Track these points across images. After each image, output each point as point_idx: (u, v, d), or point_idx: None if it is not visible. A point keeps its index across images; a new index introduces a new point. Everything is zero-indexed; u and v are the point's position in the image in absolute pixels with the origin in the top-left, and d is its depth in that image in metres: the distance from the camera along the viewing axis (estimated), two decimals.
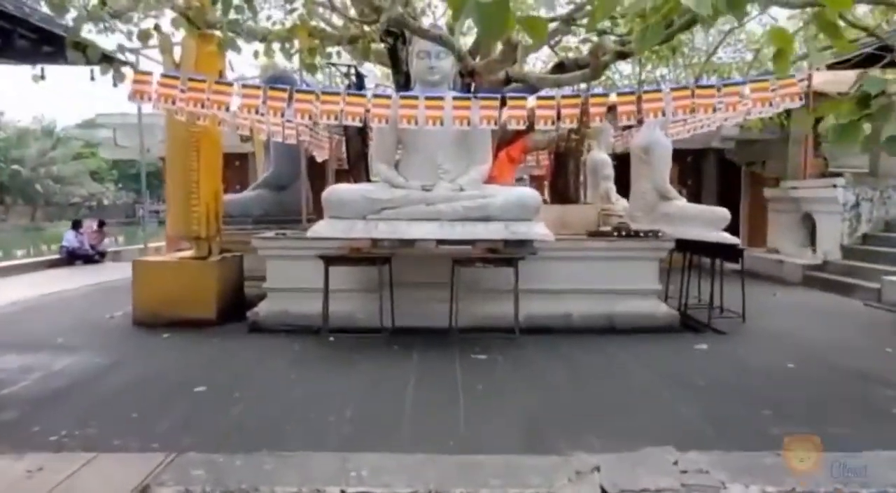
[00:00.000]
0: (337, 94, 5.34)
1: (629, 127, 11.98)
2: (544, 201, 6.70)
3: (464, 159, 6.19)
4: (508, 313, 5.89)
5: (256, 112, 5.38)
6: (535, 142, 10.47)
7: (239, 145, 11.15)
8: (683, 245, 6.70)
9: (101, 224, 14.59)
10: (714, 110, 5.17)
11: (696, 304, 7.35)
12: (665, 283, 6.87)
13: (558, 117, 5.25)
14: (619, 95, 5.29)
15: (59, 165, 40.21)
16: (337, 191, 5.82)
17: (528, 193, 5.92)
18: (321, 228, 5.75)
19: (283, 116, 5.33)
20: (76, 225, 13.72)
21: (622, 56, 5.48)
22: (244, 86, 5.30)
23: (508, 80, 6.46)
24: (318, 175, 10.93)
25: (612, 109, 9.46)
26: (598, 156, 9.65)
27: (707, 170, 13.88)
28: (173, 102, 5.24)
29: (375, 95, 5.29)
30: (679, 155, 12.52)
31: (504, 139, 8.40)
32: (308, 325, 6.19)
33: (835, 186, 9.93)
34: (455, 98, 5.37)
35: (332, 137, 9.44)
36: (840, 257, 9.83)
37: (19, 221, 38.49)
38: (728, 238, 6.66)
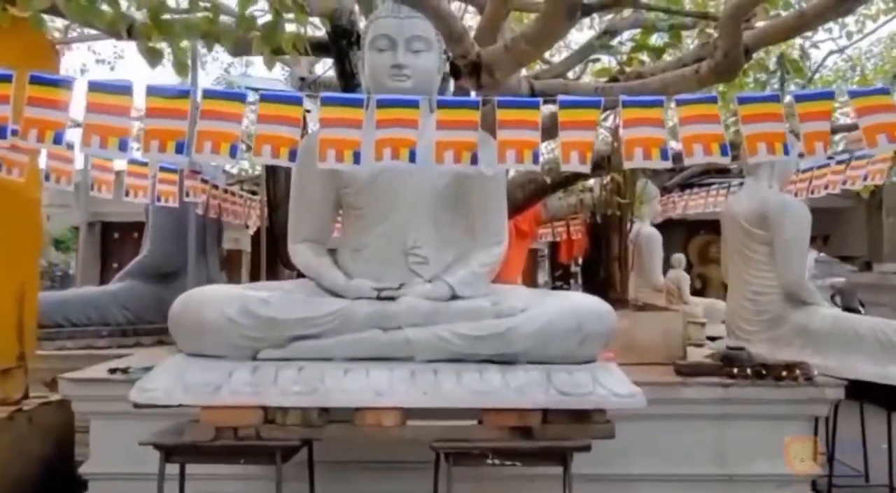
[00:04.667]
0: (182, 95, 2.42)
1: (668, 191, 9.27)
2: None
3: (456, 238, 3.25)
4: None
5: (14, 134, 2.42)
6: (552, 210, 7.61)
7: None
8: (858, 390, 3.72)
9: None
10: None
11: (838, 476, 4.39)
12: None
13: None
14: (801, 98, 2.41)
15: None
16: (194, 300, 2.82)
17: (592, 305, 2.94)
18: (158, 385, 2.72)
19: (57, 141, 2.38)
20: None
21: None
22: None
23: (534, 94, 3.58)
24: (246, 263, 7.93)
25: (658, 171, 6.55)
26: (647, 230, 6.73)
27: None
28: None
29: (267, 99, 2.38)
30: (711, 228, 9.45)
31: (510, 206, 5.54)
32: None
33: None
34: (442, 106, 2.46)
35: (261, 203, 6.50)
36: None
37: None
38: None
